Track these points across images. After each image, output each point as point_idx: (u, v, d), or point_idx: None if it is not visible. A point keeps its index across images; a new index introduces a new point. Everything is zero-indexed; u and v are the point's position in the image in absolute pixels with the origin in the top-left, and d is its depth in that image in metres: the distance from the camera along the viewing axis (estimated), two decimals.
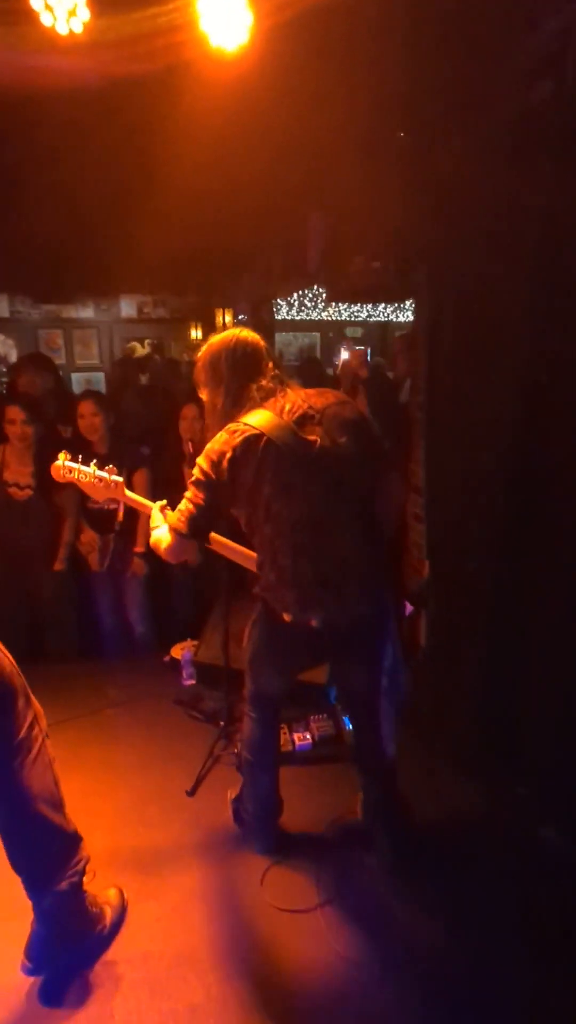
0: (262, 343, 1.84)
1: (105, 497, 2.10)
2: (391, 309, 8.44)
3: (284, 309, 8.10)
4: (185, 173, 3.48)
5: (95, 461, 2.06)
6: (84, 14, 2.30)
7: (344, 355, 8.92)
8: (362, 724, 2.05)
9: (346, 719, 2.69)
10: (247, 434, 1.69)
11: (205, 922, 1.92)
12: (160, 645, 3.47)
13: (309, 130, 3.09)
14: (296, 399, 1.76)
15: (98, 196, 3.99)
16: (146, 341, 8.57)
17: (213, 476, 1.72)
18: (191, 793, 2.45)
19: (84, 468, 2.04)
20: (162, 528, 1.86)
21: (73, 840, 1.75)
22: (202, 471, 1.74)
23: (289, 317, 8.17)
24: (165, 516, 1.95)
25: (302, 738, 2.64)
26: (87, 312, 8.19)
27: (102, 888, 1.92)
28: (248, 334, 1.83)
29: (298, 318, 8.35)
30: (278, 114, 3.01)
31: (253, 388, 1.76)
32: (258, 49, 2.49)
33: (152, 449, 3.67)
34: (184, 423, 3.54)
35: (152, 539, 1.90)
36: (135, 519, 3.41)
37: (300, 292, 7.54)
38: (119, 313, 8.33)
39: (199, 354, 1.87)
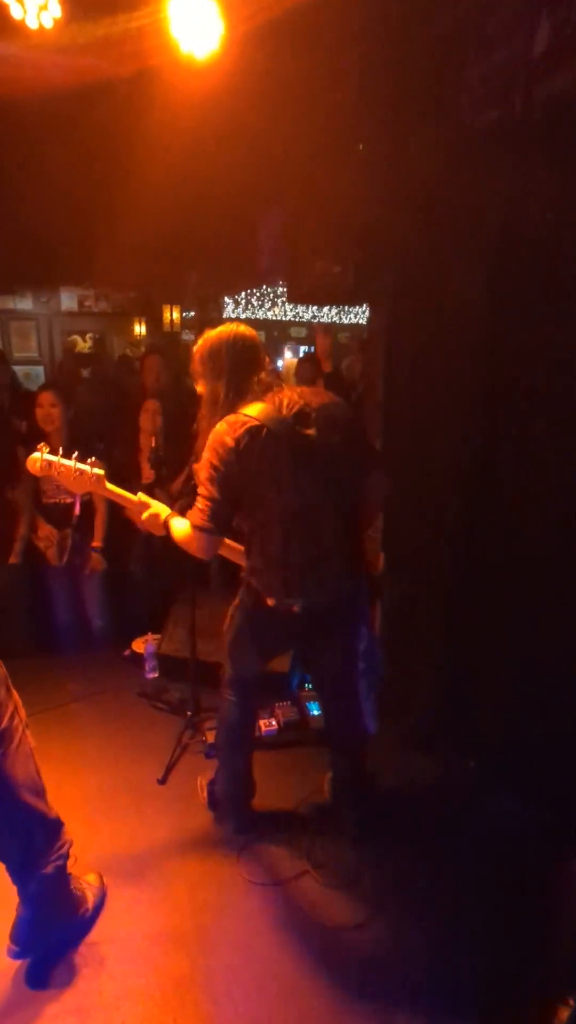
0: (258, 338, 1.92)
1: (84, 490, 2.10)
2: (335, 311, 8.65)
3: (230, 307, 8.17)
4: (137, 169, 3.50)
5: (76, 454, 2.06)
6: (56, 10, 2.32)
7: (287, 355, 9.06)
8: (336, 704, 2.17)
9: (311, 705, 2.81)
10: (249, 425, 1.77)
11: (185, 900, 1.99)
12: (119, 640, 3.48)
13: (269, 135, 3.19)
14: (294, 396, 1.85)
15: (40, 187, 3.93)
16: (88, 335, 8.42)
17: (223, 468, 1.78)
18: (162, 781, 2.50)
19: (64, 461, 2.02)
20: (181, 525, 1.89)
21: (56, 825, 1.79)
22: (212, 464, 1.79)
23: (235, 315, 8.25)
24: (152, 507, 2.00)
25: (268, 724, 2.74)
26: (25, 304, 7.97)
27: (82, 873, 1.96)
28: (246, 329, 1.90)
29: (243, 316, 8.43)
30: (239, 118, 3.09)
31: (254, 381, 1.85)
32: (225, 54, 2.56)
33: (105, 444, 3.67)
34: (146, 415, 3.57)
35: (177, 538, 1.92)
36: (92, 514, 3.42)
37: (248, 291, 7.63)
38: (59, 306, 8.15)
39: (196, 347, 1.92)
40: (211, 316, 7.23)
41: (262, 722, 2.74)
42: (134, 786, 2.49)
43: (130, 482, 3.56)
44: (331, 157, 3.01)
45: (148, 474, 3.52)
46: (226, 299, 7.85)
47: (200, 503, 1.83)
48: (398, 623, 3.11)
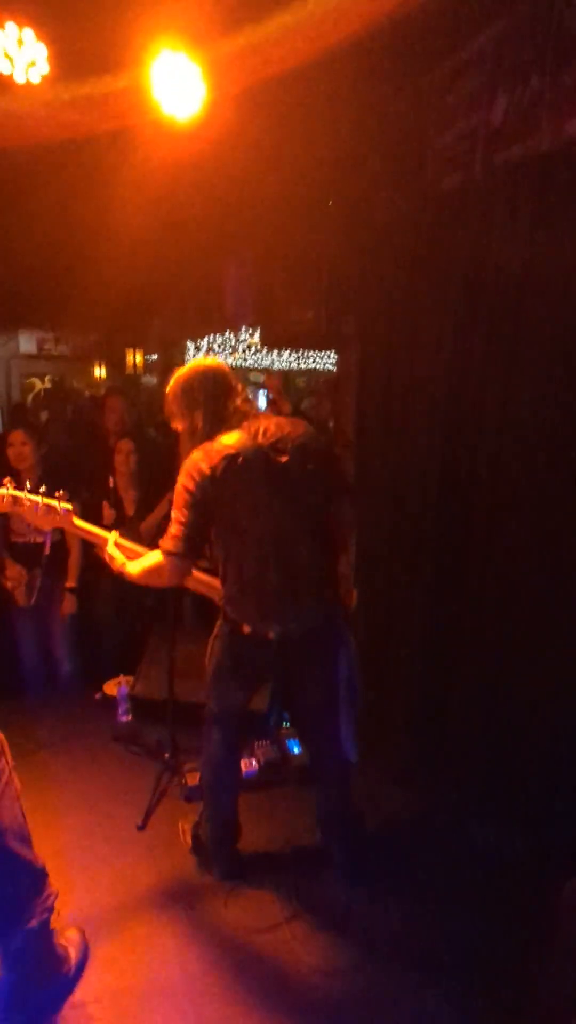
0: (227, 367, 1.99)
1: (52, 526, 2.06)
2: (294, 357, 8.90)
3: (191, 352, 8.30)
4: (107, 216, 3.59)
5: (43, 489, 2.02)
6: (44, 67, 2.41)
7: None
8: (319, 736, 2.16)
9: (291, 743, 2.79)
10: (225, 453, 1.81)
11: (172, 951, 1.92)
12: (90, 683, 3.38)
13: (241, 189, 3.34)
14: (270, 425, 1.91)
15: (6, 231, 3.97)
16: (46, 377, 8.37)
17: (198, 494, 1.81)
18: (142, 827, 2.41)
19: (31, 496, 1.98)
20: (149, 557, 1.93)
21: (42, 875, 1.71)
22: (186, 489, 1.82)
23: None
24: (121, 550, 2.03)
25: (248, 764, 2.69)
26: None
27: (62, 928, 1.86)
28: (214, 361, 1.98)
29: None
30: (212, 172, 3.23)
31: (230, 409, 1.90)
32: (202, 114, 2.70)
33: (77, 483, 3.64)
34: (120, 456, 3.57)
35: (134, 572, 1.95)
36: (63, 553, 3.36)
37: (210, 336, 7.79)
38: (17, 348, 8.11)
39: (169, 387, 1.97)
40: (175, 360, 7.33)
41: (242, 762, 2.69)
42: (111, 834, 2.39)
43: (98, 523, 3.54)
44: (302, 211, 3.17)
45: (108, 514, 3.51)
46: (188, 343, 7.98)
47: (172, 528, 1.85)
48: (373, 656, 3.14)
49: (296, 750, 2.76)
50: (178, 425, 1.96)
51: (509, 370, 2.40)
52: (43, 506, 1.98)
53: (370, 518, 3.13)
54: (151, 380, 8.11)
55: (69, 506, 2.03)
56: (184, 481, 1.83)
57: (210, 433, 1.87)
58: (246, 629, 1.96)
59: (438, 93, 2.69)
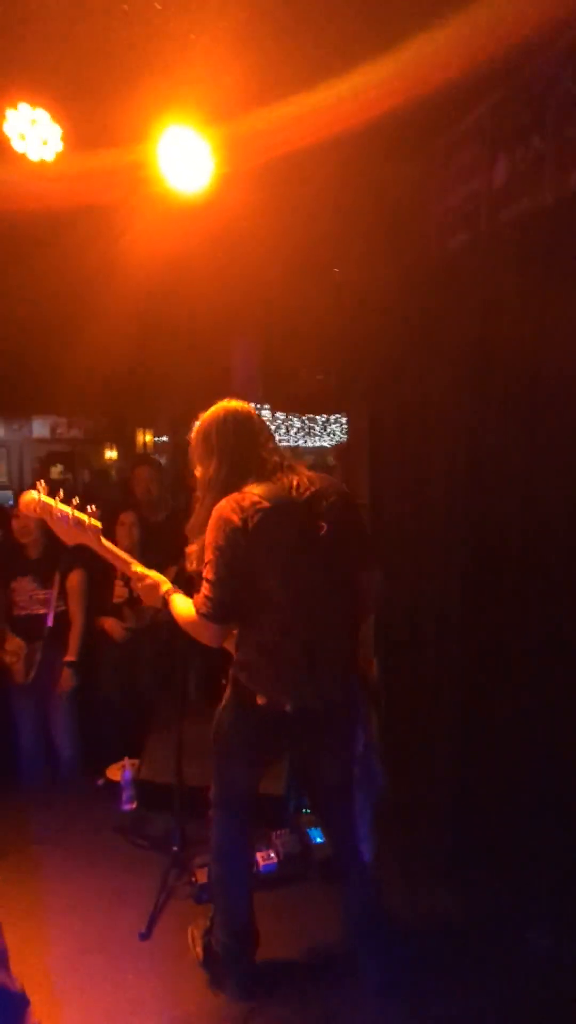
0: (254, 412, 1.84)
1: (77, 542, 1.89)
2: (301, 436, 9.03)
3: None
4: (111, 296, 3.63)
5: (75, 501, 1.88)
6: (57, 144, 2.51)
7: None
8: (338, 823, 1.91)
9: (312, 831, 2.50)
10: (258, 504, 1.65)
11: None
12: (91, 768, 3.12)
13: (247, 262, 3.41)
14: (304, 479, 1.75)
15: (16, 318, 4.05)
16: (58, 466, 8.42)
17: (228, 549, 1.64)
18: (145, 935, 2.11)
19: (62, 506, 1.84)
20: (184, 604, 1.77)
21: (21, 1002, 1.46)
22: (217, 546, 1.65)
23: None
24: (149, 576, 1.86)
25: (266, 857, 2.40)
26: None
27: None
28: (238, 403, 1.82)
29: None
30: (217, 245, 3.31)
31: (257, 456, 1.74)
32: (209, 188, 2.78)
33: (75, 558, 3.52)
34: (122, 529, 3.48)
35: (180, 611, 1.78)
36: (66, 626, 3.19)
37: None
38: (31, 432, 8.26)
39: (192, 435, 1.86)
40: (184, 439, 7.38)
41: (259, 855, 2.40)
42: (110, 943, 2.09)
43: (101, 598, 3.41)
44: (309, 279, 3.22)
45: (121, 592, 3.37)
46: (198, 423, 8.09)
47: (205, 588, 1.68)
48: (402, 738, 2.88)
49: (319, 840, 2.47)
50: (197, 472, 1.82)
51: (534, 432, 2.29)
52: (73, 519, 1.83)
53: (390, 585, 2.97)
54: (161, 460, 8.16)
55: (99, 524, 1.88)
56: (215, 536, 1.66)
57: (228, 482, 1.71)
58: (260, 700, 1.75)
59: (440, 163, 2.78)
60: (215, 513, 1.68)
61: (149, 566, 1.95)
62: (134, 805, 2.83)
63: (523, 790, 2.31)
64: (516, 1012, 1.81)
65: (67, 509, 1.82)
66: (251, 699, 1.77)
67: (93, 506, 1.86)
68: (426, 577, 2.77)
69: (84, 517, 1.83)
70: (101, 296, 3.69)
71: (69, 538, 1.87)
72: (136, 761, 2.97)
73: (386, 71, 2.26)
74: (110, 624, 3.31)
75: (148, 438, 7.61)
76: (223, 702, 1.89)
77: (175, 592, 1.84)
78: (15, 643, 3.07)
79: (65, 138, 2.47)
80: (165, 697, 3.12)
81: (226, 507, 1.66)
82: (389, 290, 2.92)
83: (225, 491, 1.70)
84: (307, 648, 1.72)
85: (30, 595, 3.14)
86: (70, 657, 3.13)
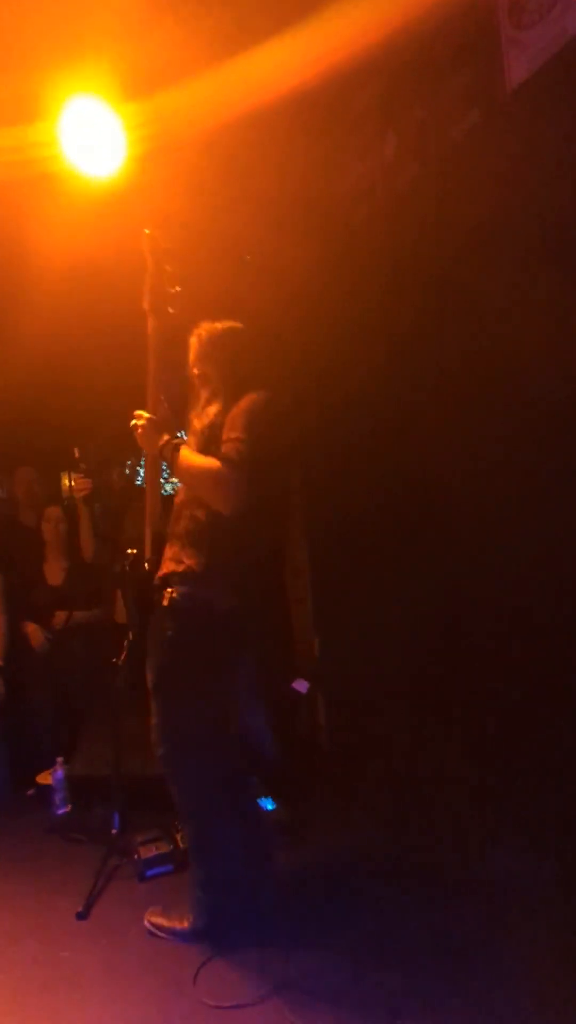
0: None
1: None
2: None
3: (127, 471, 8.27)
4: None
5: None
6: None
7: None
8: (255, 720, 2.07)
9: (264, 801, 2.33)
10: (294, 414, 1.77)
11: None
12: (20, 779, 2.84)
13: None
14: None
15: None
16: None
17: (273, 426, 1.70)
18: (83, 915, 1.89)
19: None
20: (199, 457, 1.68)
21: None
22: (257, 419, 1.66)
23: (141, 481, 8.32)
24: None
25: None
26: None
27: None
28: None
29: (138, 482, 8.51)
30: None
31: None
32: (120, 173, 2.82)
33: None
34: (47, 525, 3.37)
35: (192, 467, 1.68)
36: None
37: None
38: None
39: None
40: (111, 481, 7.21)
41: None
42: (44, 929, 1.85)
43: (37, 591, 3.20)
44: (227, 267, 3.29)
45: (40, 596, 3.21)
46: (128, 462, 7.95)
47: (233, 444, 1.62)
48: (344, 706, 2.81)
49: (270, 806, 2.32)
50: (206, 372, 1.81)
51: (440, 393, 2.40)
52: None
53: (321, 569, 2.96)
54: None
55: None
56: (257, 412, 1.67)
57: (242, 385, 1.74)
58: (222, 604, 1.73)
59: (340, 143, 2.98)
60: (259, 396, 1.70)
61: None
62: (68, 808, 2.57)
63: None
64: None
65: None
66: (201, 611, 1.71)
67: None
68: (352, 555, 2.78)
69: None
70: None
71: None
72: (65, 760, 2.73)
73: (287, 50, 2.44)
74: (32, 630, 3.11)
75: (74, 482, 7.44)
76: (164, 630, 1.73)
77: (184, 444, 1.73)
78: None
79: None
80: (97, 699, 2.93)
81: (270, 397, 1.71)
82: (301, 269, 3.04)
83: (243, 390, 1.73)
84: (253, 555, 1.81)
85: None
86: None
